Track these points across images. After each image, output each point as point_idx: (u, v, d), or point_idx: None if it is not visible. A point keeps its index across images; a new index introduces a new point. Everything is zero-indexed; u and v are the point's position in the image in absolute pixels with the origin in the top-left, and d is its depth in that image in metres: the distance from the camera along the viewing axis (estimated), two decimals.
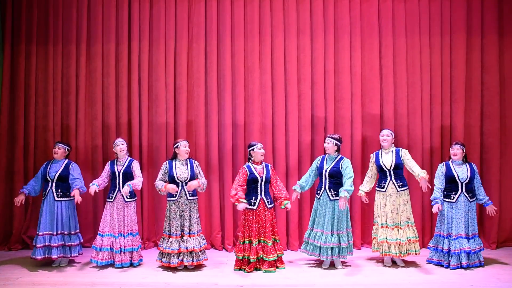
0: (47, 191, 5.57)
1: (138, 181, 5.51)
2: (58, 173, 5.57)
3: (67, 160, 5.73)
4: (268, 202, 5.40)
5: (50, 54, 6.47)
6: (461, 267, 5.35)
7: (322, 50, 6.45)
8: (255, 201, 5.35)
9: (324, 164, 5.52)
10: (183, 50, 6.47)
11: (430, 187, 5.52)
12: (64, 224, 5.54)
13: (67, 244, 5.53)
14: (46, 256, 5.45)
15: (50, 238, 5.47)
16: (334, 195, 5.38)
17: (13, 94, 6.46)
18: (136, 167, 5.64)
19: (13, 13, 6.49)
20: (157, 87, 6.48)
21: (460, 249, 5.34)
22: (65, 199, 5.58)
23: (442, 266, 5.46)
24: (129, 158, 5.70)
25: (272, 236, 5.40)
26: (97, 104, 6.47)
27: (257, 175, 5.39)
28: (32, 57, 6.46)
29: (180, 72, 6.47)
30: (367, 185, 5.72)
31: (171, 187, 5.34)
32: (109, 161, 5.75)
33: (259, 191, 5.38)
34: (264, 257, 5.32)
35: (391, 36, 6.45)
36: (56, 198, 5.54)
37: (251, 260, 5.29)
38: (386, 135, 5.65)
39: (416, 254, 5.51)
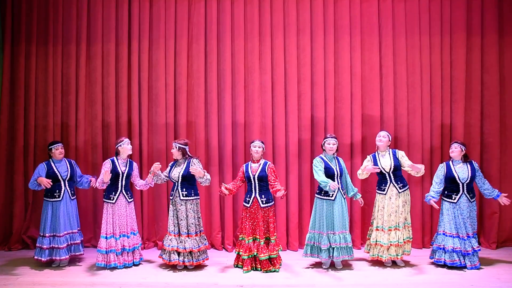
0: (62, 191, 5.56)
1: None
2: (69, 173, 5.63)
3: (66, 158, 5.78)
4: (262, 201, 5.37)
5: (50, 54, 6.46)
6: (472, 268, 5.34)
7: (322, 50, 6.45)
8: (249, 199, 5.41)
9: (332, 165, 5.49)
10: (183, 50, 6.47)
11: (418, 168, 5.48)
12: (77, 221, 5.74)
13: (82, 239, 5.77)
14: (72, 254, 5.59)
15: (72, 236, 5.61)
16: (344, 194, 5.50)
17: (13, 94, 6.46)
18: (137, 170, 5.74)
19: (13, 13, 6.49)
20: (157, 87, 6.48)
21: (471, 249, 5.34)
22: (75, 197, 5.74)
23: (445, 265, 5.43)
24: (129, 160, 5.70)
25: (265, 235, 5.39)
26: (97, 104, 6.47)
27: (250, 173, 5.42)
28: (32, 57, 6.46)
29: (180, 72, 6.47)
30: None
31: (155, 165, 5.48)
32: (109, 159, 5.65)
33: (253, 189, 5.40)
34: (258, 255, 5.35)
35: (391, 36, 6.45)
36: (71, 198, 5.64)
37: (243, 257, 5.34)
38: (382, 136, 5.63)
39: (408, 254, 5.54)
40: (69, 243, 5.56)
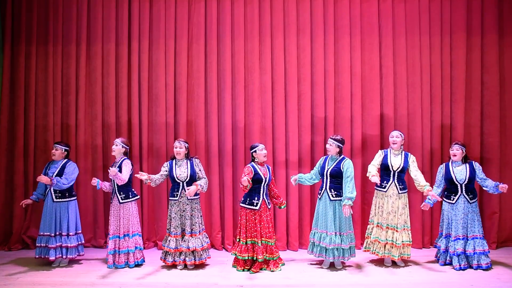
0: (47, 192, 5.58)
1: (123, 175, 5.39)
2: (55, 174, 5.55)
3: (65, 160, 5.72)
4: (268, 202, 5.46)
5: (50, 54, 6.46)
6: (460, 269, 5.34)
7: (322, 50, 6.45)
8: (257, 201, 5.36)
9: (326, 165, 5.53)
10: (183, 50, 6.47)
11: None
12: (62, 225, 5.53)
13: (63, 245, 5.51)
14: (43, 256, 5.50)
15: (48, 239, 5.49)
16: (334, 195, 5.39)
17: (13, 94, 6.46)
18: (124, 165, 5.48)
19: (13, 13, 6.49)
20: (157, 87, 6.48)
21: (457, 250, 5.35)
22: (64, 200, 5.56)
23: (446, 264, 5.47)
24: (122, 158, 5.58)
25: (274, 236, 5.47)
26: (97, 104, 6.47)
27: (262, 176, 5.40)
28: (32, 57, 6.46)
29: (180, 72, 6.47)
30: (374, 168, 5.58)
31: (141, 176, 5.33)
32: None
33: (261, 192, 5.39)
34: (267, 257, 5.35)
35: (391, 36, 6.45)
36: (55, 200, 5.53)
37: (259, 260, 5.31)
38: (395, 136, 5.64)
39: (408, 258, 5.53)
40: (45, 244, 5.48)
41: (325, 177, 5.48)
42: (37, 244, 5.54)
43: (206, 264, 5.64)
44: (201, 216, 5.54)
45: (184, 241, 5.40)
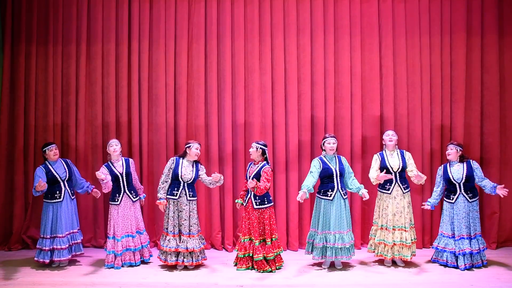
0: (63, 192, 5.56)
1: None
2: (67, 173, 5.64)
3: (62, 158, 5.80)
4: (256, 202, 5.35)
5: (50, 54, 6.46)
6: (466, 268, 5.33)
7: (322, 50, 6.45)
8: (246, 198, 5.49)
9: (330, 165, 5.48)
10: (183, 50, 6.47)
11: (424, 177, 5.61)
12: (77, 221, 5.75)
13: (73, 242, 5.65)
14: (73, 253, 5.60)
15: (73, 236, 5.61)
16: (345, 194, 5.46)
17: (13, 94, 6.45)
18: (133, 166, 5.76)
19: (13, 13, 6.48)
20: (157, 87, 6.48)
21: (463, 250, 5.33)
22: (74, 197, 5.75)
23: (446, 266, 5.44)
24: (125, 158, 5.73)
25: (260, 237, 5.35)
26: (97, 104, 6.47)
27: (248, 174, 5.49)
28: (32, 57, 6.45)
29: (180, 72, 6.47)
30: (374, 172, 5.60)
31: (161, 208, 5.47)
32: (104, 165, 5.68)
33: (249, 190, 5.45)
34: (254, 256, 5.36)
35: (391, 36, 6.45)
36: (71, 197, 5.65)
37: (239, 256, 5.42)
38: (392, 135, 5.66)
39: (414, 255, 5.56)
40: (71, 243, 5.57)
41: (335, 178, 5.43)
42: (61, 247, 5.43)
43: (206, 264, 5.64)
44: (197, 217, 5.54)
45: (182, 241, 5.40)
